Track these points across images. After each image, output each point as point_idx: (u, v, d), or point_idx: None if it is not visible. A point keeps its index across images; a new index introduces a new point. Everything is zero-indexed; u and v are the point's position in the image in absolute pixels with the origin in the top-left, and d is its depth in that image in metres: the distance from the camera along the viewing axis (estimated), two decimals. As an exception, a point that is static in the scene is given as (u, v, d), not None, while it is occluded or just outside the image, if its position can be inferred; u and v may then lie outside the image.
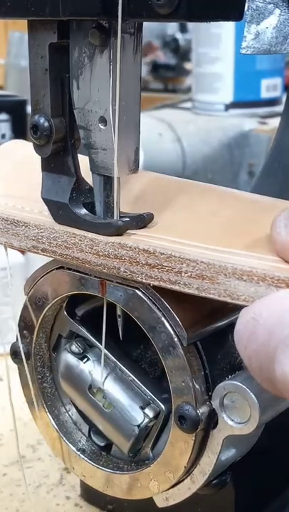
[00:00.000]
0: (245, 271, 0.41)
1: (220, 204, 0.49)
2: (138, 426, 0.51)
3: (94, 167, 0.47)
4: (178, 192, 0.51)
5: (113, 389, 0.51)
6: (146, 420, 0.51)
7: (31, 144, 0.48)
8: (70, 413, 0.56)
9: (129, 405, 0.51)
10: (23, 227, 0.50)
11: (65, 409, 0.56)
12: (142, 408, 0.51)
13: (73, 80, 0.46)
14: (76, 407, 0.55)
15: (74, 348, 0.54)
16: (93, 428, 0.55)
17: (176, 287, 0.44)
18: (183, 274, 0.43)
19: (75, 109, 0.46)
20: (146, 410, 0.51)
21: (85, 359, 0.53)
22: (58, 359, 0.55)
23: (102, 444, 0.55)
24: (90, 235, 0.47)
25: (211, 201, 0.50)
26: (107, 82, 0.44)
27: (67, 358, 0.54)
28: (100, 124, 0.45)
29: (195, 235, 0.46)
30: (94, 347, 0.53)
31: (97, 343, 0.52)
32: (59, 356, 0.55)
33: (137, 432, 0.51)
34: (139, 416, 0.51)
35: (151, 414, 0.51)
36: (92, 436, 0.56)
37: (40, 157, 0.49)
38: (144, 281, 0.45)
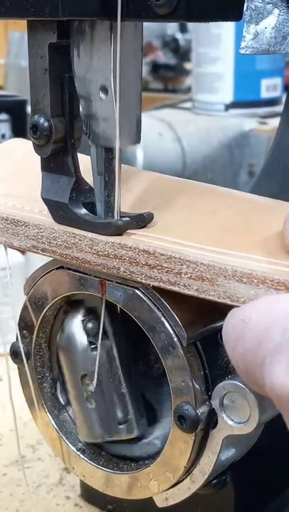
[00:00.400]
0: (245, 273, 0.41)
1: (220, 205, 0.49)
2: (107, 436, 0.52)
3: (95, 138, 0.46)
4: (178, 192, 0.51)
5: (103, 392, 0.51)
6: (115, 436, 0.51)
7: (31, 143, 0.48)
8: (69, 413, 0.56)
9: (109, 416, 0.51)
10: (23, 226, 0.50)
11: (65, 409, 0.56)
12: (119, 424, 0.51)
13: (74, 48, 0.45)
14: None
15: (89, 326, 0.51)
16: (61, 384, 0.55)
17: (175, 288, 0.44)
18: (183, 276, 0.43)
19: (76, 77, 0.46)
20: (121, 427, 0.51)
21: (94, 345, 0.51)
22: (66, 324, 0.53)
23: (62, 403, 0.55)
24: (90, 234, 0.47)
25: (210, 202, 0.50)
26: (108, 50, 0.43)
27: (79, 335, 0.52)
28: (101, 93, 0.45)
29: (195, 236, 0.46)
30: (105, 339, 0.51)
31: (111, 335, 0.51)
32: (70, 321, 0.52)
33: (101, 440, 0.52)
34: (112, 429, 0.51)
35: (123, 433, 0.51)
36: (56, 390, 0.55)
37: (38, 156, 0.49)
38: (143, 281, 0.45)
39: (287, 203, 0.48)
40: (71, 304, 0.53)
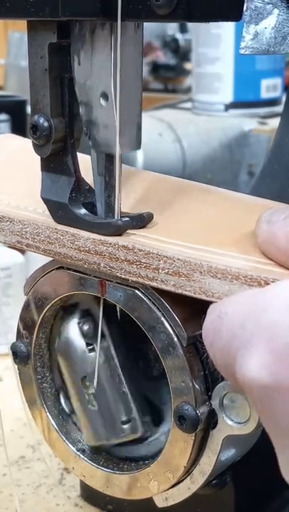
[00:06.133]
0: (220, 269, 0.42)
1: (204, 202, 0.49)
2: (112, 437, 0.51)
3: (95, 145, 0.46)
4: (175, 192, 0.51)
5: (104, 392, 0.51)
6: (120, 436, 0.51)
7: (22, 138, 0.48)
8: (74, 419, 0.56)
9: (112, 416, 0.51)
10: (8, 222, 0.50)
11: (65, 409, 0.56)
12: (123, 423, 0.51)
13: (74, 56, 0.45)
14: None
15: (86, 328, 0.52)
16: (64, 392, 0.55)
17: (153, 284, 0.45)
18: (160, 271, 0.44)
19: (76, 84, 0.45)
20: (125, 426, 0.51)
21: (91, 346, 0.52)
22: (63, 328, 0.53)
23: (67, 411, 0.55)
24: (72, 230, 0.47)
25: (196, 200, 0.50)
26: (109, 57, 0.43)
27: (76, 338, 0.52)
28: (101, 100, 0.45)
29: (176, 234, 0.46)
30: (102, 340, 0.51)
31: (108, 336, 0.51)
32: (66, 326, 0.53)
33: (107, 442, 0.52)
34: (117, 430, 0.51)
35: (127, 432, 0.51)
36: (60, 398, 0.55)
37: (28, 152, 0.49)
38: (123, 276, 0.46)
39: (271, 201, 0.48)
40: (66, 309, 0.53)
